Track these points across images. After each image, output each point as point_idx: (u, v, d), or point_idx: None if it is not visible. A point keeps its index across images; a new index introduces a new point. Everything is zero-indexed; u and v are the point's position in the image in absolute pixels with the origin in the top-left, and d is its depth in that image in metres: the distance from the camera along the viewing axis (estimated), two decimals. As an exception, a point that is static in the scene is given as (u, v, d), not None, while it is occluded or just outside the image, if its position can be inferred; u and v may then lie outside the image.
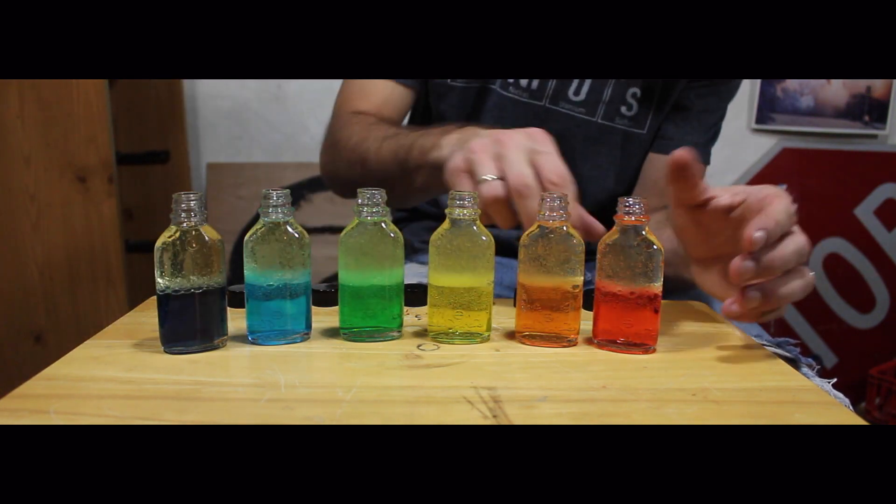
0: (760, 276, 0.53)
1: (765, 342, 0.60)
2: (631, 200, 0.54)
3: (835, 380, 0.56)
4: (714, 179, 0.98)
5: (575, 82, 0.88)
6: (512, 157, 0.60)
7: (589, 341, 0.57)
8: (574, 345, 0.57)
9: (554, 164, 0.60)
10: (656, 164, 0.94)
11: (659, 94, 0.90)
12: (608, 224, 0.57)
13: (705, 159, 0.94)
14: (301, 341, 0.56)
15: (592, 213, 0.92)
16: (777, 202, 0.54)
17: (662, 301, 0.55)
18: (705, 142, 0.94)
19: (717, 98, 0.92)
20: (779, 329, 1.98)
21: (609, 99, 0.88)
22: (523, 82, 0.88)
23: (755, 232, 0.52)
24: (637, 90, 0.89)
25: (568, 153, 0.88)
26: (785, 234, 0.54)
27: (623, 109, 0.89)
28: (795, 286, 0.54)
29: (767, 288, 0.53)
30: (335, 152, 0.86)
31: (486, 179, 0.60)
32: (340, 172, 0.87)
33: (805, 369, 0.59)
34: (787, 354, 0.58)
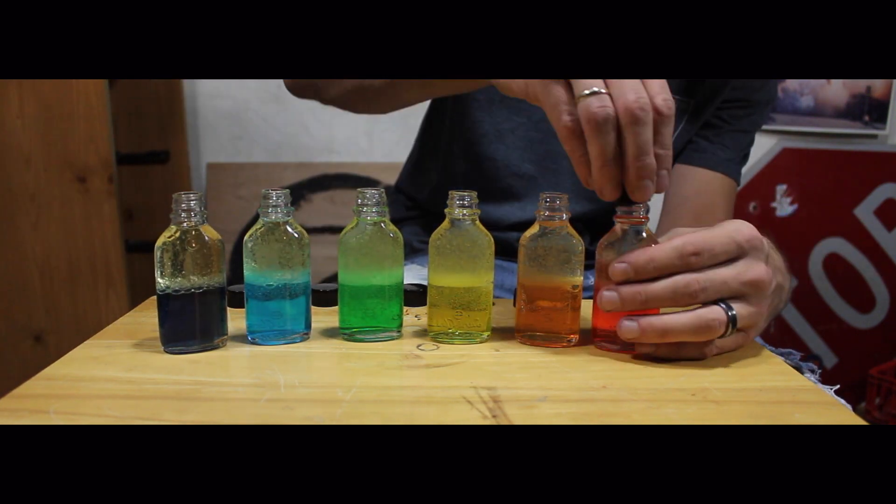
0: (627, 309, 0.51)
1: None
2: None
3: (837, 386, 0.55)
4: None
5: None
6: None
7: (589, 341, 0.57)
8: (574, 345, 0.57)
9: (665, 90, 0.49)
10: (689, 179, 0.87)
11: (690, 114, 0.86)
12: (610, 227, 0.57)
13: (737, 177, 0.90)
14: (300, 341, 0.56)
15: (600, 216, 0.92)
16: (674, 241, 0.50)
17: None
18: (738, 160, 0.90)
19: (749, 121, 0.89)
20: (779, 330, 1.98)
21: None
22: None
23: (617, 263, 0.51)
24: None
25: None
26: (677, 273, 0.50)
27: None
28: (680, 322, 0.50)
29: (643, 320, 0.51)
30: None
31: (594, 91, 0.47)
32: None
33: (808, 374, 0.59)
34: (789, 362, 0.58)
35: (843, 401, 0.53)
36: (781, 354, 0.60)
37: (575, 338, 0.57)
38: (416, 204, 0.99)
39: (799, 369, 0.59)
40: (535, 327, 0.56)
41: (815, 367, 0.61)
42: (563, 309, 0.56)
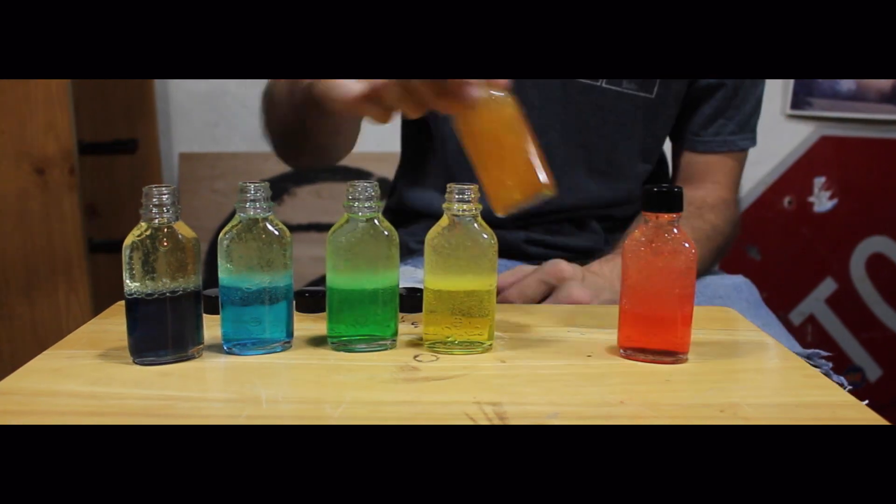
0: None
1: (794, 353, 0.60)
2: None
3: (866, 402, 0.55)
4: (745, 171, 0.98)
5: None
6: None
7: (610, 351, 0.57)
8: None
9: None
10: (695, 166, 0.95)
11: (645, 112, 0.91)
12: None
13: (743, 146, 0.95)
14: (281, 351, 0.56)
15: (603, 211, 0.93)
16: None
17: None
18: (738, 130, 0.94)
19: (730, 100, 0.93)
20: (815, 336, 1.98)
21: None
22: None
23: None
24: None
25: (579, 124, 0.89)
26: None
27: None
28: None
29: None
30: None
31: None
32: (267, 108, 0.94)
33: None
34: (818, 369, 0.58)
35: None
36: (808, 356, 0.60)
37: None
38: (419, 214, 0.99)
39: (828, 378, 0.58)
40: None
41: (844, 380, 0.60)
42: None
